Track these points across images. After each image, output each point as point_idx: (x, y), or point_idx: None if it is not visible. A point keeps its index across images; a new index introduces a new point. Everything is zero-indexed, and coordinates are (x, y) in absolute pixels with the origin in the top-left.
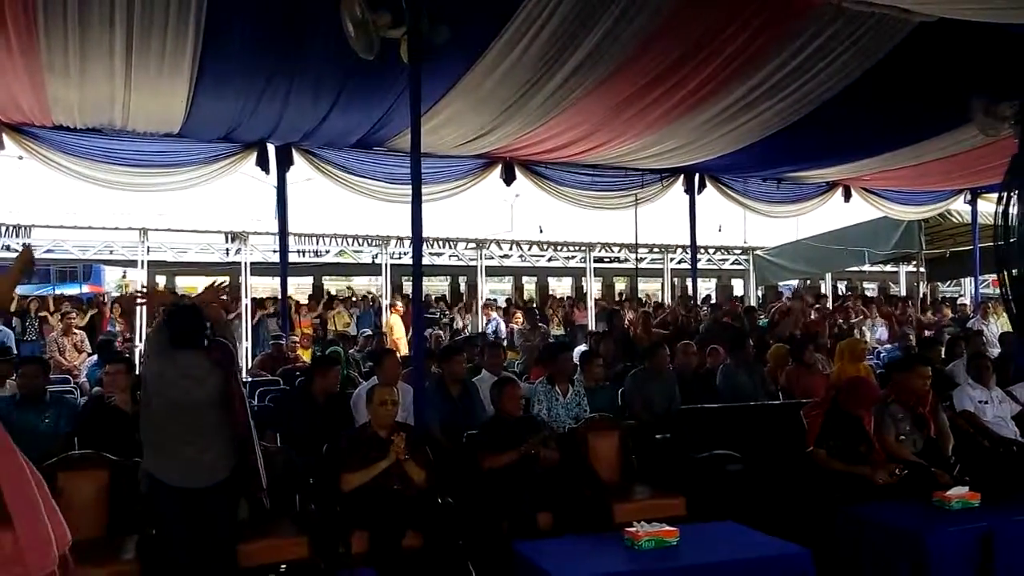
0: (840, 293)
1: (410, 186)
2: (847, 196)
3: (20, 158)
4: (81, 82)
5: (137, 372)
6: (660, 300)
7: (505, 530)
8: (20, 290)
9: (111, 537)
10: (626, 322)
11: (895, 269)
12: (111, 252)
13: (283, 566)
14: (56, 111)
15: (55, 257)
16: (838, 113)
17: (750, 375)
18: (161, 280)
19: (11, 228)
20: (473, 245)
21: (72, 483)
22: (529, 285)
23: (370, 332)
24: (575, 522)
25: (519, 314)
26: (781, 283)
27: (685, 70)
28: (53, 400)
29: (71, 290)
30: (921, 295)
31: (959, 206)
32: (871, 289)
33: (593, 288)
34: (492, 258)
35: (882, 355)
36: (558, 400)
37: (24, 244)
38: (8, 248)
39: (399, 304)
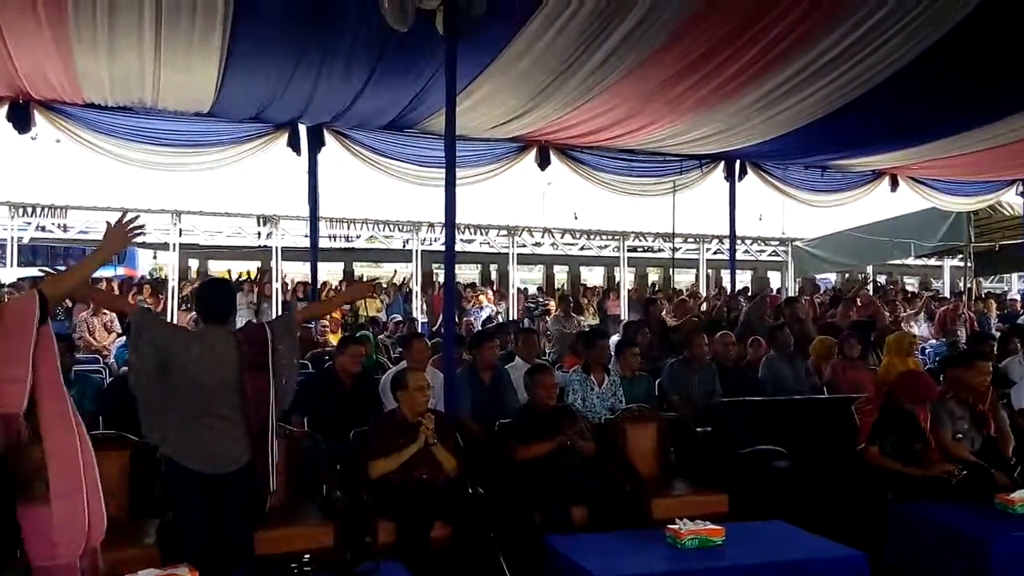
0: (880, 286)
1: (443, 169)
2: (894, 185)
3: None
4: (110, 56)
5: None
6: (696, 290)
7: (537, 523)
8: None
9: (132, 519)
10: (664, 312)
11: (939, 263)
12: (144, 235)
13: (307, 556)
14: (86, 87)
15: (89, 239)
16: (886, 98)
17: (793, 367)
18: (194, 263)
19: (45, 208)
20: (504, 232)
21: None
22: (560, 275)
23: (400, 318)
24: (611, 517)
25: (552, 302)
26: (818, 276)
27: (727, 52)
28: (77, 378)
29: (106, 272)
30: (965, 289)
31: (1010, 198)
32: (911, 284)
33: (626, 278)
34: (524, 246)
35: (926, 351)
36: (593, 390)
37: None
38: (43, 229)
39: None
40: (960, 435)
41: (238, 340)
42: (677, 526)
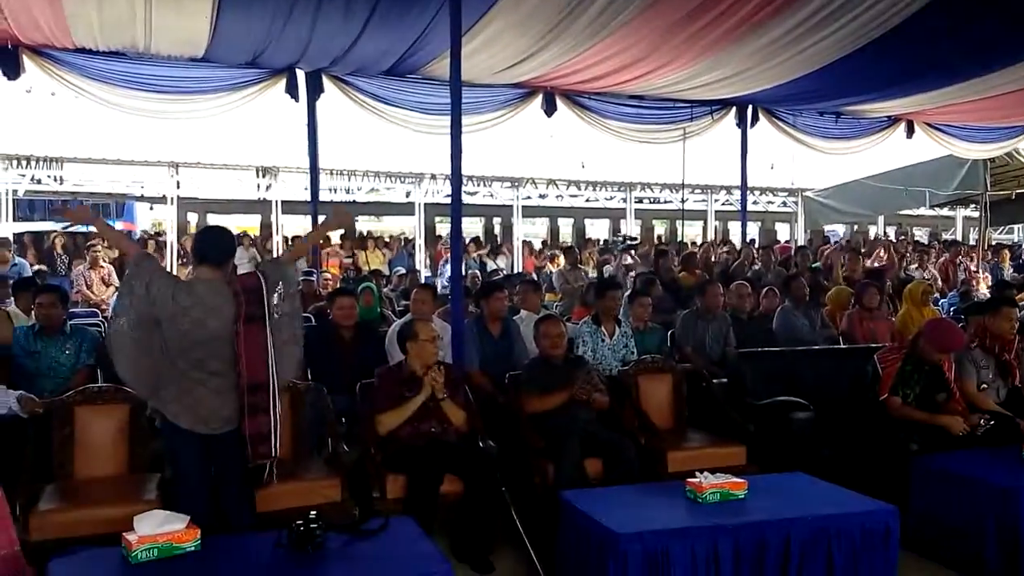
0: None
1: (447, 117)
2: (910, 132)
3: (53, 94)
4: None
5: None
6: (706, 242)
7: (551, 478)
8: (50, 226)
9: (132, 474)
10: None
11: (951, 213)
12: (142, 188)
13: (312, 512)
14: (76, 30)
15: (86, 191)
16: (903, 40)
17: (808, 318)
18: (193, 217)
19: (40, 160)
20: (509, 184)
21: (90, 418)
22: (565, 228)
23: (403, 271)
24: (626, 471)
25: (560, 256)
26: (827, 228)
27: None
28: (74, 331)
29: None
30: (978, 239)
31: None
32: (921, 235)
33: (633, 230)
34: (528, 198)
35: (939, 302)
36: (604, 342)
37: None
38: (38, 181)
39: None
40: (985, 384)
41: (235, 290)
42: (698, 479)
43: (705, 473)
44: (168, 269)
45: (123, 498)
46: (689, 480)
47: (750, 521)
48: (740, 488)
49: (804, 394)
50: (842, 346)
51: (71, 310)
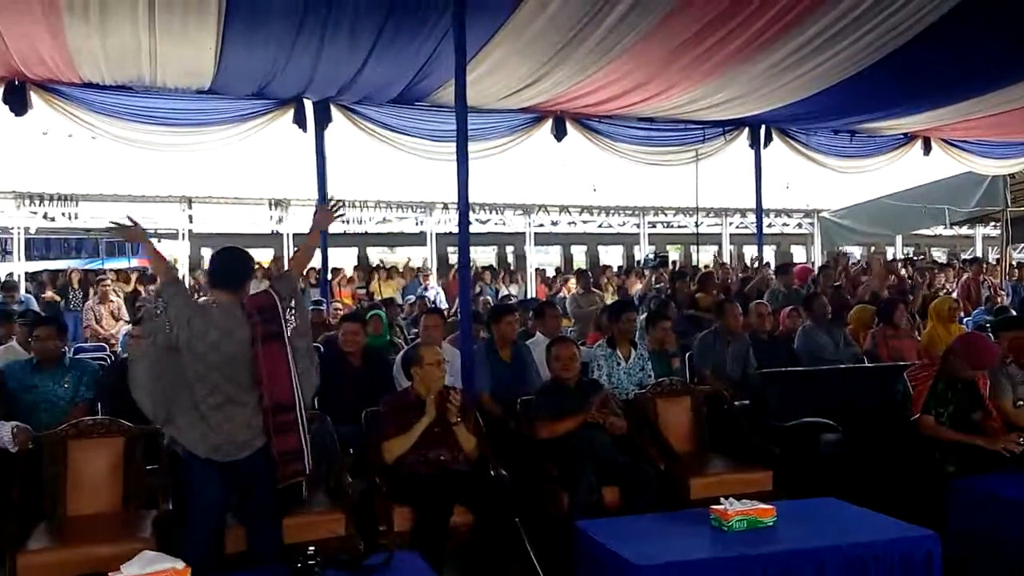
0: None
1: (455, 142)
2: (927, 149)
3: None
4: (103, 29)
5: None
6: (723, 262)
7: (566, 507)
8: (69, 264)
9: (127, 511)
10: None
11: (970, 232)
12: (155, 224)
13: (311, 548)
14: (81, 64)
15: (101, 228)
16: (918, 55)
17: (831, 336)
18: (207, 252)
19: (54, 198)
20: (520, 211)
21: (83, 453)
22: (579, 255)
23: (414, 299)
24: (646, 499)
25: (571, 280)
26: (846, 248)
27: (748, 10)
28: (72, 364)
29: (119, 264)
30: (998, 258)
31: None
32: (939, 255)
33: (643, 254)
34: (541, 225)
35: (963, 320)
36: (619, 365)
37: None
38: (52, 219)
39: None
40: (1021, 402)
41: (248, 312)
42: (723, 506)
43: (730, 499)
44: (191, 295)
45: (117, 536)
46: (713, 507)
47: (781, 551)
48: (768, 515)
49: (830, 415)
50: (868, 365)
51: (79, 344)
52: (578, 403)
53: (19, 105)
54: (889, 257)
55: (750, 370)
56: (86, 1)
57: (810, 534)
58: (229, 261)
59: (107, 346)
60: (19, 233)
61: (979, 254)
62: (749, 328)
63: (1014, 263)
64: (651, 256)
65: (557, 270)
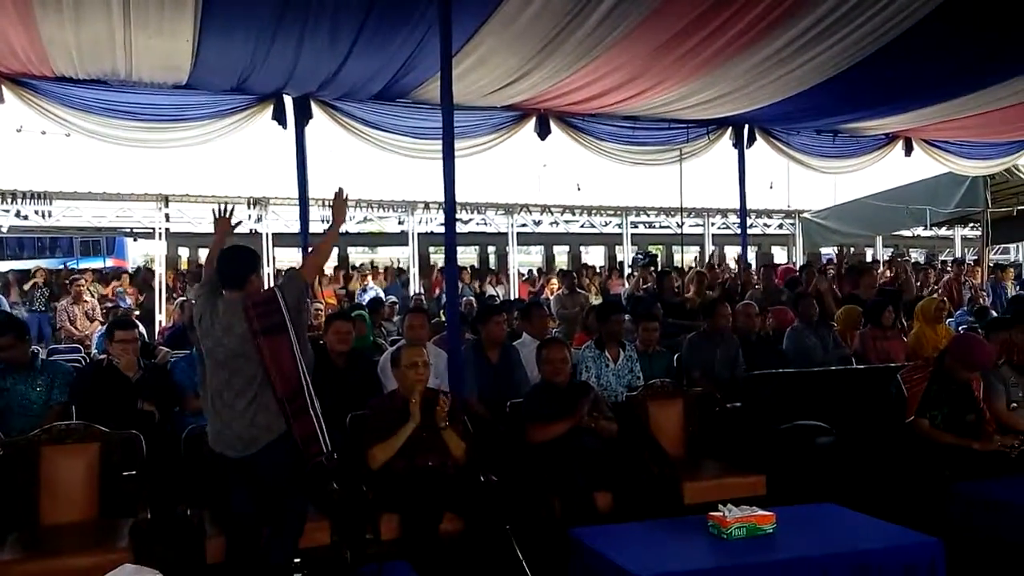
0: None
1: (438, 141)
2: (908, 150)
3: (43, 133)
4: (76, 20)
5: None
6: (715, 262)
7: (558, 513)
8: (41, 264)
9: (103, 519)
10: (676, 287)
11: (948, 233)
12: (133, 222)
13: (296, 560)
14: (55, 57)
15: (75, 226)
16: (900, 55)
17: (820, 337)
18: (184, 252)
19: (27, 196)
20: (502, 211)
21: (57, 459)
22: (561, 255)
23: (396, 300)
24: (639, 504)
25: (553, 280)
26: (823, 250)
27: (732, 8)
28: (45, 366)
29: (94, 263)
30: (975, 258)
31: None
32: (918, 256)
33: (629, 255)
34: (524, 225)
35: (948, 321)
36: (608, 367)
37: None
38: (25, 217)
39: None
40: (1015, 404)
41: (245, 306)
42: (721, 513)
43: (728, 505)
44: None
45: (92, 546)
46: (711, 514)
47: (782, 559)
48: (768, 522)
49: (823, 417)
50: (859, 366)
51: (53, 346)
52: (569, 406)
53: None
54: (869, 258)
55: (739, 371)
56: None
57: (811, 542)
58: (231, 261)
59: (82, 347)
60: None
61: (958, 255)
62: (738, 328)
63: (991, 264)
64: (640, 255)
65: (538, 271)
